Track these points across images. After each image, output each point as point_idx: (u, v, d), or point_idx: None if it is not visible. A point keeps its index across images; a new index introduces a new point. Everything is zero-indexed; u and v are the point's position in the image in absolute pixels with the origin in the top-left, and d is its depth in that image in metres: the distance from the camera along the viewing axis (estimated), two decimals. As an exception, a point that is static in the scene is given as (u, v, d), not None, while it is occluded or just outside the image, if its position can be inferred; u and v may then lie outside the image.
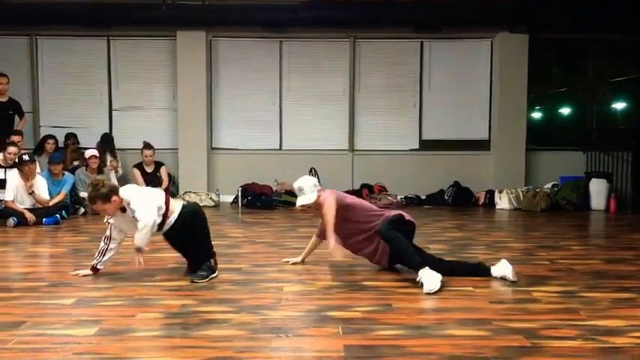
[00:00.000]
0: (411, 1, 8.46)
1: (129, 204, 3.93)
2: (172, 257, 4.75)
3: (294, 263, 4.52)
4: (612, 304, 3.43)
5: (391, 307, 3.35)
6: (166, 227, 4.03)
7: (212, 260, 4.11)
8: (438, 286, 3.65)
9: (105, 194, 3.89)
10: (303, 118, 9.31)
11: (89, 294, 3.66)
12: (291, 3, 8.49)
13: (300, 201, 4.25)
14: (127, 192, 4.02)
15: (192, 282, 3.90)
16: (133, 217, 3.90)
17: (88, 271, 4.08)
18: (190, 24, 8.78)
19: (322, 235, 4.37)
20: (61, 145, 8.71)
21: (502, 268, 3.98)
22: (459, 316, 3.18)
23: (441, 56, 9.28)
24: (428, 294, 3.60)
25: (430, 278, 3.67)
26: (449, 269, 3.98)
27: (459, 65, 9.27)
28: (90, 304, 3.45)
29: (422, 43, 9.25)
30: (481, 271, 4.04)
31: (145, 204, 3.91)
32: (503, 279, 3.92)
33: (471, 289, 3.80)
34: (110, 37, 9.19)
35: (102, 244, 4.11)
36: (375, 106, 9.31)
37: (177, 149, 9.07)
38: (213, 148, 9.26)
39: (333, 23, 8.80)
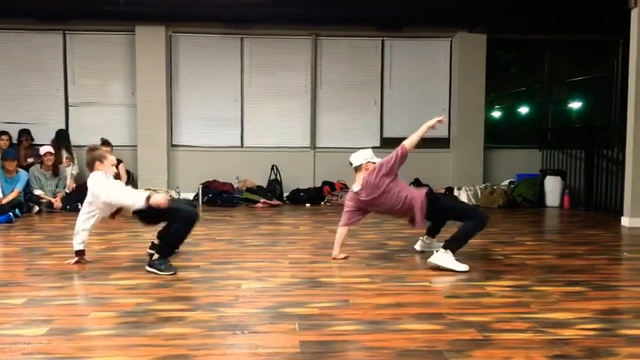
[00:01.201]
0: (373, 0, 8.52)
1: None
2: (129, 255, 4.71)
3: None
4: (562, 298, 3.53)
5: (348, 303, 3.38)
6: None
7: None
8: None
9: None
10: (265, 115, 9.28)
11: (41, 293, 3.58)
12: (252, -1, 8.46)
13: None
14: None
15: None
16: None
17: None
18: (149, 19, 8.63)
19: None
20: (14, 141, 8.47)
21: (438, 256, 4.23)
22: (414, 311, 3.23)
23: (402, 55, 9.37)
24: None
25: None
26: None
27: (419, 64, 9.38)
28: (41, 303, 3.37)
29: (383, 41, 9.32)
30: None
31: None
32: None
33: (427, 284, 3.87)
34: (66, 31, 8.97)
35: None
36: (337, 103, 9.35)
37: (136, 146, 8.93)
38: (173, 145, 9.15)
39: (295, 20, 8.80)
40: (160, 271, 4.02)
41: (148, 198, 4.06)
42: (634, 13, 6.52)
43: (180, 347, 2.65)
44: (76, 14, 8.56)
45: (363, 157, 4.61)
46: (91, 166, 4.38)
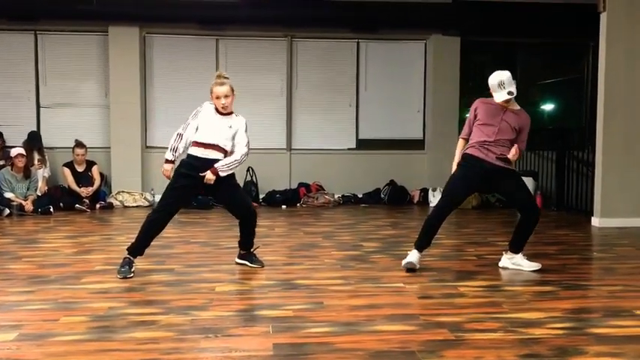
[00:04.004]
0: (348, 2, 8.55)
1: (240, 122, 4.50)
2: (101, 259, 4.65)
3: None
4: (533, 297, 3.58)
5: (322, 305, 3.38)
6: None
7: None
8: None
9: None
10: (241, 117, 9.22)
11: (10, 298, 3.51)
12: (228, 0, 8.41)
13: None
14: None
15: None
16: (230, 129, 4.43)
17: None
18: (123, 19, 8.53)
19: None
20: (-16, 143, 8.31)
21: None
22: (387, 312, 3.25)
23: (377, 57, 9.41)
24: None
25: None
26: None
27: (394, 66, 9.43)
28: (10, 308, 3.31)
29: (358, 43, 9.36)
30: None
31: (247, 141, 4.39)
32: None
33: (401, 285, 3.89)
34: (37, 32, 8.82)
35: (172, 140, 4.25)
36: (313, 105, 9.35)
37: (109, 147, 8.81)
38: (147, 147, 9.05)
39: (270, 22, 8.78)
40: (118, 273, 3.99)
41: (166, 161, 4.18)
42: (603, 17, 6.65)
43: (152, 351, 2.62)
44: (48, 14, 8.41)
45: (490, 80, 4.50)
46: None
